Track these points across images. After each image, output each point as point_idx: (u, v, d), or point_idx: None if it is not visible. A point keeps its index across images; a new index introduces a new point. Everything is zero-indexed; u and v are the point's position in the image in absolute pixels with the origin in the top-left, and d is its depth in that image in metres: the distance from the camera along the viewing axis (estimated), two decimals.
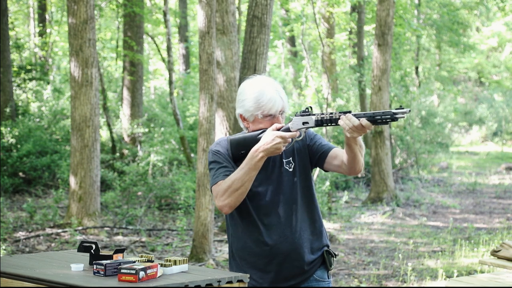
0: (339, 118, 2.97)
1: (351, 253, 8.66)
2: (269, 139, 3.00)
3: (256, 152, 3.01)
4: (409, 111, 2.86)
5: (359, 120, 2.91)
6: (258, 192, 3.13)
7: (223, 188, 3.03)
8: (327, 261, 3.22)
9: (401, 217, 11.57)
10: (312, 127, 3.07)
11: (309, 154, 3.21)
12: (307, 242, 3.17)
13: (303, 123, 3.08)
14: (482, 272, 6.82)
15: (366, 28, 17.60)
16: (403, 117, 2.87)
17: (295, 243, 3.12)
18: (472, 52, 26.34)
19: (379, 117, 2.91)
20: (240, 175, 3.01)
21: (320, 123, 3.04)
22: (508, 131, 27.54)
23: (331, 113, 3.01)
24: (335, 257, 3.31)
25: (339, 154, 3.15)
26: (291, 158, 3.19)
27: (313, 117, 3.06)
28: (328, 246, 3.27)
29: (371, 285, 7.04)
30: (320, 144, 3.20)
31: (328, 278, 3.25)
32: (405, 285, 7.04)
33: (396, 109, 2.89)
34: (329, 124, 3.01)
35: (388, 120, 2.90)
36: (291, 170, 3.17)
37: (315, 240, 3.20)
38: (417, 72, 22.98)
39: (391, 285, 7.05)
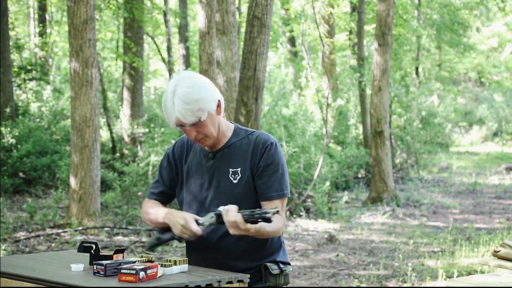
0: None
1: (351, 253, 8.65)
2: (178, 217, 2.86)
3: (163, 215, 2.92)
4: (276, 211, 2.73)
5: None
6: (192, 197, 3.02)
7: None
8: (263, 277, 2.97)
9: (401, 217, 11.57)
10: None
11: (253, 177, 2.95)
12: (241, 251, 2.94)
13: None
14: (482, 272, 6.82)
15: (366, 28, 17.60)
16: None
17: (224, 251, 2.94)
18: (472, 52, 26.35)
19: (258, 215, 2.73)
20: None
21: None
22: (508, 131, 27.55)
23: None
24: (282, 273, 2.99)
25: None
26: (239, 169, 2.95)
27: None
28: (274, 262, 3.00)
29: (371, 285, 7.04)
30: (264, 184, 2.92)
31: None
32: (405, 285, 7.04)
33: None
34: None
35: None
36: (235, 181, 2.94)
37: (254, 250, 2.96)
38: (417, 72, 22.99)
39: (391, 285, 7.05)
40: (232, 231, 2.74)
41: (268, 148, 2.94)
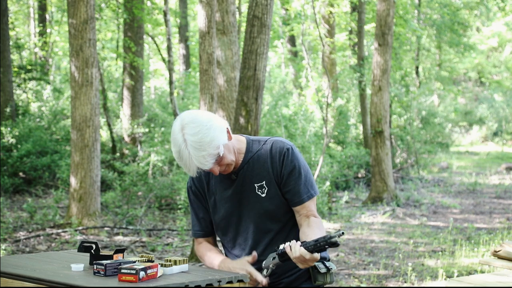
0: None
1: (351, 253, 8.65)
2: (237, 268, 2.86)
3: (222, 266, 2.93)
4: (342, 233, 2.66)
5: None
6: (225, 223, 3.01)
7: None
8: (312, 276, 2.99)
9: (402, 217, 11.56)
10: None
11: (279, 187, 2.96)
12: (285, 266, 2.95)
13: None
14: (482, 272, 6.82)
15: (366, 28, 17.60)
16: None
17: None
18: (472, 52, 26.36)
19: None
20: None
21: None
22: (508, 131, 27.56)
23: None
24: (329, 271, 2.99)
25: (300, 213, 2.97)
26: (264, 182, 2.95)
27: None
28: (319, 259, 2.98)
29: (371, 285, 7.04)
30: (292, 191, 2.94)
31: None
32: (405, 285, 7.04)
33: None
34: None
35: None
36: (263, 195, 2.95)
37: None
38: (417, 72, 22.99)
39: (391, 285, 7.05)
40: (300, 265, 2.75)
41: (286, 155, 2.93)
